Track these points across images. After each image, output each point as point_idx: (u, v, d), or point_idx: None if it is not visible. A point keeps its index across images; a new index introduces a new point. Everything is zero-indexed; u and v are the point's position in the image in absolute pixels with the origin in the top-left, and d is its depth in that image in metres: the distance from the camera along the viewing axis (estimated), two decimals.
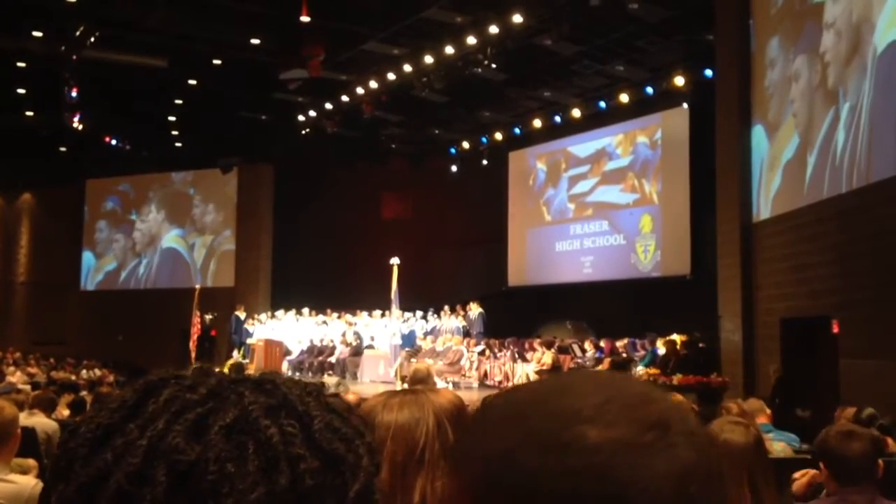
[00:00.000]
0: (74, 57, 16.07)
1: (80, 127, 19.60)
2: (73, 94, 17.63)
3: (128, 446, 0.58)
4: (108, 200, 26.60)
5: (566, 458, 0.59)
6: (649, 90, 17.09)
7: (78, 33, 15.31)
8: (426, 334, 18.91)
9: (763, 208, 11.98)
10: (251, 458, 0.57)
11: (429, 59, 16.03)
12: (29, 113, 20.66)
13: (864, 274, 9.12)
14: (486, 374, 16.68)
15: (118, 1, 14.66)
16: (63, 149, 23.50)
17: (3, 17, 15.27)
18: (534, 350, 15.78)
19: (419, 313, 19.69)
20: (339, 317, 20.44)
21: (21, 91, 19.16)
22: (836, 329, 9.72)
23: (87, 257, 26.67)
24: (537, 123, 19.85)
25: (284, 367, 18.41)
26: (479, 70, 15.96)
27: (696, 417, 0.66)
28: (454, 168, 22.95)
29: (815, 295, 10.29)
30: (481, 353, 17.03)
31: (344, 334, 19.21)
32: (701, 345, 13.62)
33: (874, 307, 8.84)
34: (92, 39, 15.49)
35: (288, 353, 19.27)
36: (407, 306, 18.09)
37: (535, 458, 0.59)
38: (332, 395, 0.66)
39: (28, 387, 11.36)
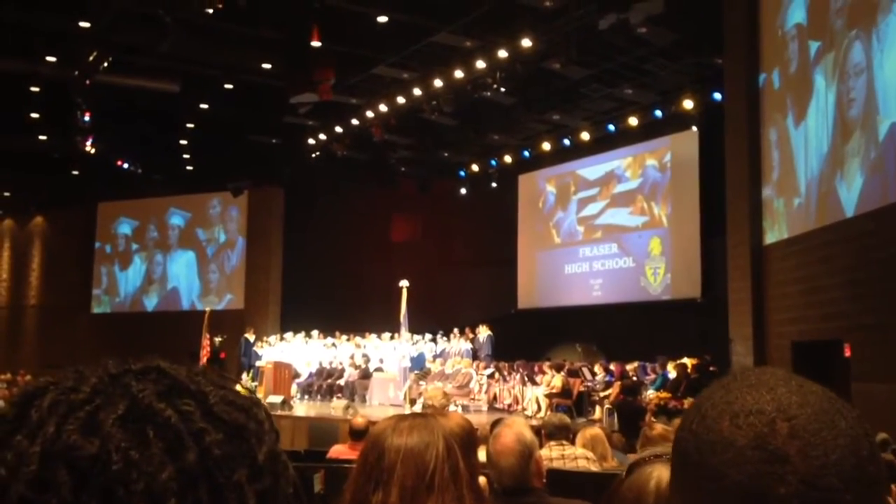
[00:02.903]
0: (87, 81, 16.22)
1: (93, 151, 19.73)
2: (86, 118, 17.78)
3: (21, 457, 0.56)
4: (120, 223, 26.71)
5: (686, 430, 0.78)
6: (658, 113, 17.11)
7: (91, 58, 15.46)
8: (435, 357, 18.83)
9: (774, 231, 11.92)
10: (154, 442, 0.57)
11: (438, 83, 16.11)
12: (42, 137, 20.82)
13: (876, 297, 9.05)
14: (495, 397, 16.57)
15: (131, 26, 14.80)
16: (75, 172, 23.66)
17: (17, 42, 15.45)
18: (543, 373, 15.67)
19: (428, 336, 19.62)
20: (348, 339, 20.39)
21: (34, 115, 19.31)
22: (847, 352, 9.63)
23: (98, 280, 26.75)
24: (546, 146, 19.87)
25: (293, 390, 18.34)
26: (488, 93, 16.03)
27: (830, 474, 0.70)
28: (463, 191, 22.98)
29: (827, 318, 10.21)
30: (490, 376, 16.93)
31: (353, 357, 19.14)
32: (712, 368, 13.51)
33: (886, 330, 8.77)
34: (105, 64, 15.63)
35: (297, 375, 19.21)
36: (416, 329, 18.03)
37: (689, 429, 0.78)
38: (220, 374, 0.66)
39: None
